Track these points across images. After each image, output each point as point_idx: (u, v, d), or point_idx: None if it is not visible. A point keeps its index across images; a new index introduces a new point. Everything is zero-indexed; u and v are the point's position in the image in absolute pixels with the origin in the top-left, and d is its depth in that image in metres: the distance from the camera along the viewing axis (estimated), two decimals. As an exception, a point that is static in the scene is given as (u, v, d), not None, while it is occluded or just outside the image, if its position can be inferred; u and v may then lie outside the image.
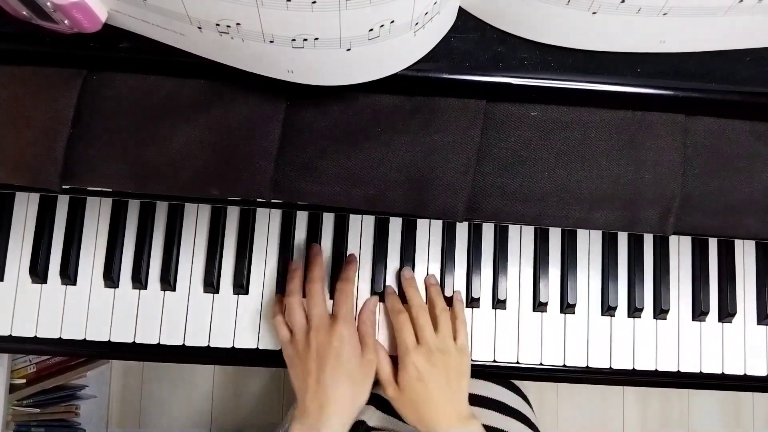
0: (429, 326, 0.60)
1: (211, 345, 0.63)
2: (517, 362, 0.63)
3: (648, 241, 0.67)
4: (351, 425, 0.55)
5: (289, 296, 0.59)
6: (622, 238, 0.66)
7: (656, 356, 0.65)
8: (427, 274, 0.65)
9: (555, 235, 0.66)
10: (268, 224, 0.65)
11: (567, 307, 0.64)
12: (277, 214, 0.65)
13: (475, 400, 0.71)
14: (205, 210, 0.65)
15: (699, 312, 0.65)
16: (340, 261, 0.64)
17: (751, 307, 0.66)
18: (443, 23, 0.43)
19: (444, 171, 0.47)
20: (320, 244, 0.64)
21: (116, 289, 0.63)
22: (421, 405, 0.56)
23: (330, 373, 0.54)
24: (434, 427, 0.55)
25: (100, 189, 0.55)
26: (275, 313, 0.61)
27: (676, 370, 0.65)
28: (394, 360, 0.60)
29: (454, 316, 0.62)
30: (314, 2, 0.33)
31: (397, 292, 0.64)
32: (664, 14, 0.40)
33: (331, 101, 0.47)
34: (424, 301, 0.63)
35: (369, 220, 0.65)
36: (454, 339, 0.60)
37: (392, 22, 0.36)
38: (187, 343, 0.63)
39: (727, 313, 0.65)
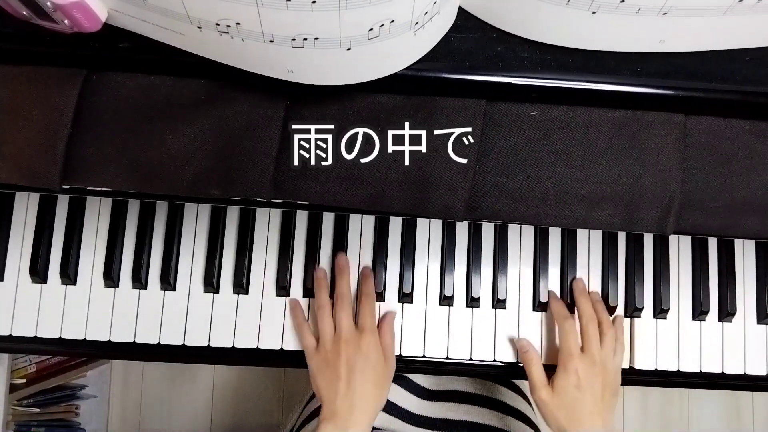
0: (597, 338, 0.60)
1: (211, 345, 0.63)
2: (518, 362, 0.63)
3: (648, 240, 0.67)
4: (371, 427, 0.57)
5: (321, 308, 0.61)
6: (622, 238, 0.66)
7: (656, 356, 0.65)
8: (431, 271, 0.65)
9: (555, 235, 0.66)
10: (268, 224, 0.65)
11: (567, 307, 0.64)
12: (277, 214, 0.65)
13: (476, 399, 0.71)
14: (205, 210, 0.65)
15: (699, 311, 0.65)
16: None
17: (751, 307, 0.66)
18: (443, 23, 0.43)
19: (444, 170, 0.47)
20: (320, 244, 0.64)
21: (116, 289, 0.63)
22: (574, 412, 0.57)
23: (359, 377, 0.57)
24: None
25: (100, 189, 0.55)
26: (299, 318, 0.62)
27: (675, 369, 0.65)
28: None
29: (615, 336, 0.62)
30: (314, 2, 0.33)
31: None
32: (664, 14, 0.40)
33: (331, 101, 0.47)
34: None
35: (369, 220, 0.65)
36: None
37: (392, 21, 0.36)
38: (187, 343, 0.63)
39: (727, 312, 0.65)
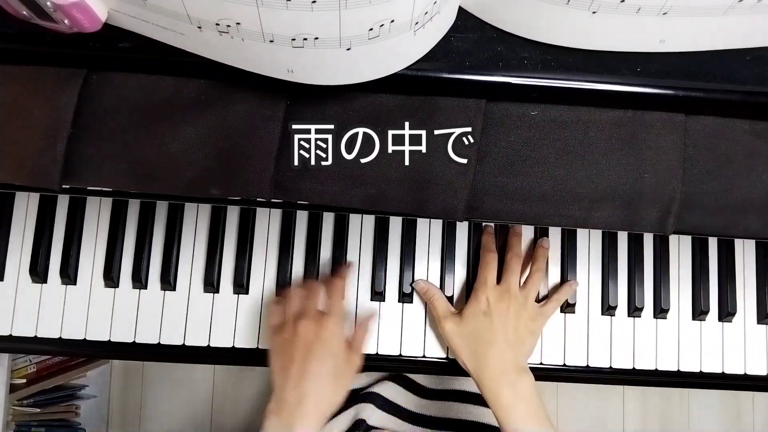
0: (517, 273, 0.60)
1: (211, 345, 0.63)
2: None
3: (648, 240, 0.67)
4: (324, 425, 0.53)
5: (295, 287, 0.60)
6: (622, 238, 0.66)
7: (656, 356, 0.65)
8: (428, 272, 0.65)
9: (555, 235, 0.66)
10: (268, 224, 0.65)
11: (567, 307, 0.64)
12: (277, 214, 0.65)
13: (475, 398, 0.71)
14: (205, 210, 0.65)
15: (699, 311, 0.65)
16: (340, 260, 0.64)
17: (751, 307, 0.66)
18: (443, 23, 0.43)
19: (444, 170, 0.47)
20: (320, 244, 0.64)
21: (116, 289, 0.63)
22: (480, 340, 0.56)
23: (314, 364, 0.52)
24: (485, 365, 0.55)
25: (100, 189, 0.55)
26: (271, 301, 0.61)
27: (676, 369, 0.65)
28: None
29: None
30: (314, 1, 0.33)
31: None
32: (664, 14, 0.40)
33: (331, 101, 0.47)
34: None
35: (369, 220, 0.65)
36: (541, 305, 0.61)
37: (392, 21, 0.36)
38: (187, 343, 0.63)
39: (727, 312, 0.65)
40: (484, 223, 0.65)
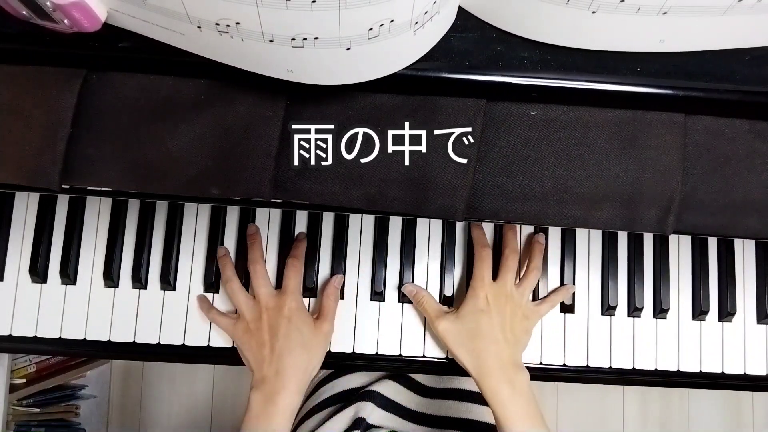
0: (514, 270, 0.60)
1: (211, 345, 0.63)
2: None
3: (648, 240, 0.67)
4: (306, 390, 0.57)
5: (228, 282, 0.60)
6: (622, 238, 0.66)
7: (656, 356, 0.65)
8: (428, 272, 0.65)
9: (555, 235, 0.66)
10: (268, 224, 0.65)
11: (567, 307, 0.64)
12: (277, 214, 0.65)
13: (476, 397, 0.71)
14: (205, 210, 0.65)
15: (699, 311, 0.65)
16: (340, 259, 0.64)
17: (750, 307, 0.66)
18: (443, 22, 0.43)
19: (444, 170, 0.47)
20: (320, 243, 0.64)
21: (116, 289, 0.63)
22: (479, 337, 0.56)
23: (283, 340, 0.56)
24: (485, 363, 0.55)
25: (100, 189, 0.55)
26: (204, 306, 0.62)
27: (676, 369, 0.65)
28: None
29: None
30: (314, 1, 0.33)
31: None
32: (664, 13, 0.40)
33: (331, 101, 0.47)
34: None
35: (369, 220, 0.65)
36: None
37: (392, 21, 0.36)
38: (187, 343, 0.63)
39: (726, 312, 0.65)
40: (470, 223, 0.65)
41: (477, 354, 0.56)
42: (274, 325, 0.57)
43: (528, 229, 0.66)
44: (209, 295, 0.63)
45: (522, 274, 0.63)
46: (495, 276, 0.61)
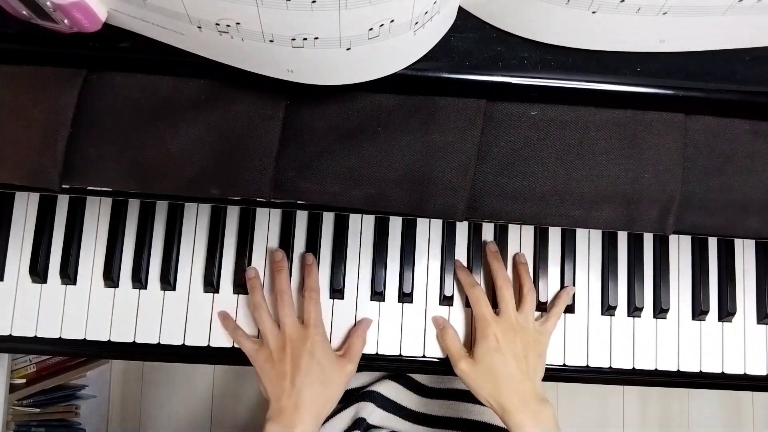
0: (512, 301, 0.60)
1: (211, 345, 0.63)
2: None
3: (648, 240, 0.67)
4: (321, 425, 0.57)
5: (258, 309, 0.60)
6: (622, 238, 0.66)
7: (656, 356, 0.65)
8: (428, 271, 0.65)
9: (555, 235, 0.66)
10: (268, 224, 0.65)
11: (567, 307, 0.64)
12: (277, 214, 0.65)
13: (473, 397, 0.71)
14: (205, 210, 0.65)
15: (699, 311, 0.65)
16: (340, 260, 0.64)
17: (750, 307, 0.66)
18: (443, 22, 0.43)
19: (444, 170, 0.47)
20: (320, 243, 0.64)
21: (116, 289, 0.63)
22: (498, 376, 0.57)
23: (304, 374, 0.56)
24: (508, 400, 0.56)
25: (100, 188, 0.55)
26: (230, 326, 0.61)
27: (676, 369, 0.65)
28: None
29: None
30: (314, 1, 0.33)
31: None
32: (664, 14, 0.40)
33: (331, 101, 0.47)
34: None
35: (369, 220, 0.65)
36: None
37: (392, 21, 0.36)
38: (187, 343, 0.63)
39: (726, 312, 0.65)
40: (454, 261, 0.64)
41: (498, 393, 0.56)
42: (296, 357, 0.57)
43: (528, 234, 0.66)
44: (231, 309, 0.63)
45: (519, 300, 0.62)
46: (495, 307, 0.61)
